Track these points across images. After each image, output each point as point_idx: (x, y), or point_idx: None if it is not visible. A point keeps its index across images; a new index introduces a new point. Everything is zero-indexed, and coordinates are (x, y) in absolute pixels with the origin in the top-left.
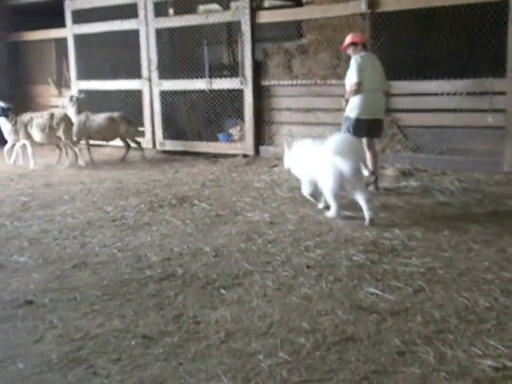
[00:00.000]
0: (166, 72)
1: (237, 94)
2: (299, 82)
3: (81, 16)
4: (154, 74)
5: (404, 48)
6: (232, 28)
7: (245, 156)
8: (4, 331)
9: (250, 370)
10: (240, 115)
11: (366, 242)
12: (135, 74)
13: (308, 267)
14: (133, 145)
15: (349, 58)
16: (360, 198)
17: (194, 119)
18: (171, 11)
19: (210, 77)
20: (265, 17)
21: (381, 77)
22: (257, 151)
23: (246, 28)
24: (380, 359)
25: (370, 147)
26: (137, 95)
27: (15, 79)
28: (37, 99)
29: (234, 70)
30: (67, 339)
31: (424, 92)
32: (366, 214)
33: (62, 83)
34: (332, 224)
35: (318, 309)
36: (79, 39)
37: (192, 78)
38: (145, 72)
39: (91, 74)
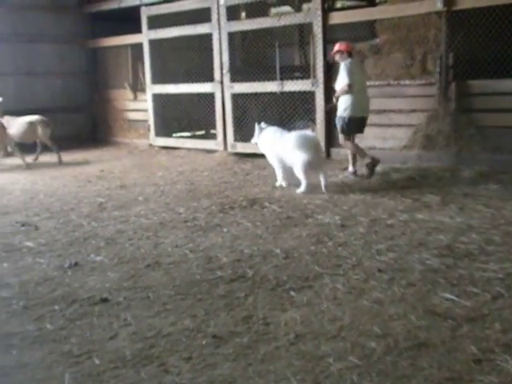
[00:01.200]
0: (237, 75)
1: (308, 96)
2: (372, 82)
3: (155, 21)
4: (226, 77)
5: (482, 46)
6: (304, 30)
7: None
8: (81, 327)
9: (320, 373)
10: (311, 117)
11: (441, 246)
12: (208, 77)
13: (379, 271)
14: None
15: (423, 59)
16: (320, 177)
17: (265, 121)
18: (243, 14)
19: (282, 79)
20: (337, 18)
21: (365, 79)
22: (328, 153)
23: (317, 29)
24: (455, 367)
25: (353, 141)
26: (209, 98)
27: (93, 84)
28: (113, 103)
29: (305, 71)
30: (140, 337)
31: (504, 91)
32: (323, 183)
33: (137, 87)
34: (405, 227)
35: (390, 313)
36: (154, 44)
37: (263, 80)
38: (217, 75)
39: (165, 78)
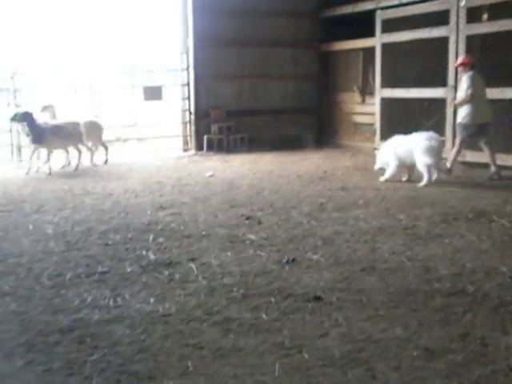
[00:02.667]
0: None
1: None
2: None
3: (388, 25)
4: None
5: None
6: None
7: None
8: (293, 321)
9: None
10: None
11: None
12: (440, 82)
13: None
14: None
15: None
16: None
17: (500, 130)
18: (485, 16)
19: None
20: None
21: (485, 91)
22: None
23: None
24: None
25: (487, 144)
26: (440, 104)
27: (323, 87)
28: (341, 106)
29: None
30: (350, 339)
31: None
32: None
33: (366, 91)
34: None
35: None
36: (386, 48)
37: (503, 86)
38: (451, 80)
39: (395, 82)
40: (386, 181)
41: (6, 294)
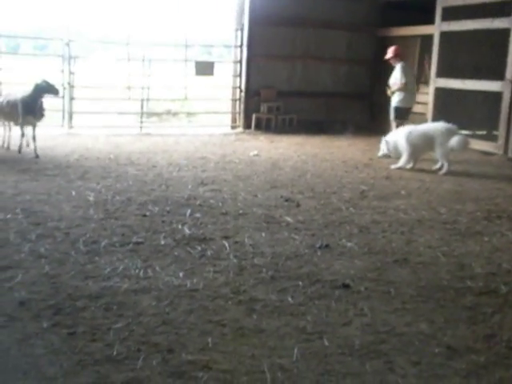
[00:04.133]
0: None
1: None
2: None
3: (448, 13)
4: None
5: None
6: None
7: None
8: (318, 308)
9: None
10: None
11: None
12: (498, 75)
13: None
14: None
15: None
16: None
17: None
18: None
19: None
20: None
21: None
22: None
23: None
24: None
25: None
26: (496, 97)
27: (377, 72)
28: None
29: None
30: (373, 330)
31: None
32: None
33: (421, 79)
34: None
35: None
36: (445, 36)
37: None
38: (509, 74)
39: (451, 72)
40: (399, 169)
41: (42, 257)
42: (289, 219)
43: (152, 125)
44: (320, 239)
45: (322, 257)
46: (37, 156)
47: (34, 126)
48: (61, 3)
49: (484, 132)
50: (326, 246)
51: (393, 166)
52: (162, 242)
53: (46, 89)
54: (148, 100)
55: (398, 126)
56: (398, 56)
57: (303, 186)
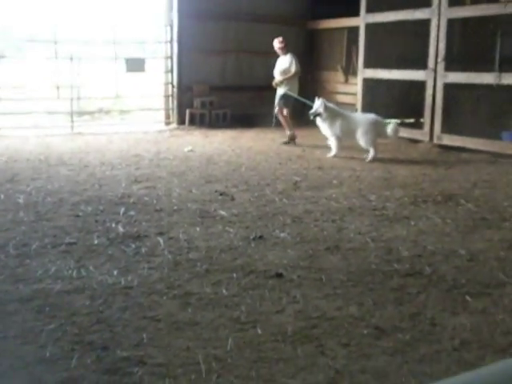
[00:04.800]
0: (452, 64)
1: None
2: None
3: (373, 5)
4: (440, 66)
5: None
6: None
7: None
8: (252, 298)
9: None
10: None
11: None
12: (421, 64)
13: None
14: None
15: None
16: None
17: (476, 115)
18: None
19: (500, 71)
20: None
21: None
22: None
23: None
24: None
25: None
26: (420, 86)
27: (308, 65)
28: (324, 84)
29: None
30: (305, 316)
31: None
32: None
33: (349, 71)
34: None
35: None
36: (370, 28)
37: (480, 71)
38: (431, 63)
39: (377, 63)
40: (334, 156)
41: None
42: (223, 213)
43: (84, 124)
44: (254, 231)
45: (256, 248)
46: None
47: None
48: None
49: (412, 120)
50: (260, 237)
51: (329, 155)
52: (96, 242)
53: None
54: (79, 99)
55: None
56: (286, 47)
57: (237, 179)
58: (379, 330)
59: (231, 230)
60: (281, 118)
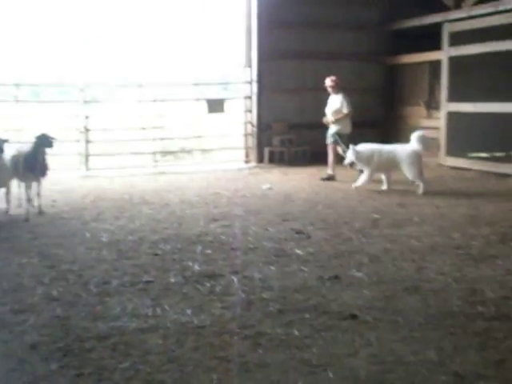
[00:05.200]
0: None
1: None
2: None
3: (456, 38)
4: None
5: None
6: None
7: None
8: (324, 339)
9: None
10: None
11: None
12: (509, 96)
13: None
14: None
15: None
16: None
17: None
18: None
19: None
20: None
21: None
22: None
23: None
24: None
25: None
26: (509, 119)
27: (389, 100)
28: (406, 120)
29: None
30: (379, 360)
31: None
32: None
33: (431, 105)
34: None
35: None
36: (453, 61)
37: None
38: None
39: (462, 96)
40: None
41: (54, 299)
42: (298, 252)
43: (167, 163)
44: (329, 270)
45: (331, 288)
46: (40, 212)
47: (39, 183)
48: (79, 51)
49: (503, 154)
50: (335, 277)
51: (354, 185)
52: (172, 280)
53: (45, 143)
54: (162, 139)
55: (339, 151)
56: (337, 86)
57: (314, 217)
58: (459, 377)
59: (306, 269)
60: (331, 154)
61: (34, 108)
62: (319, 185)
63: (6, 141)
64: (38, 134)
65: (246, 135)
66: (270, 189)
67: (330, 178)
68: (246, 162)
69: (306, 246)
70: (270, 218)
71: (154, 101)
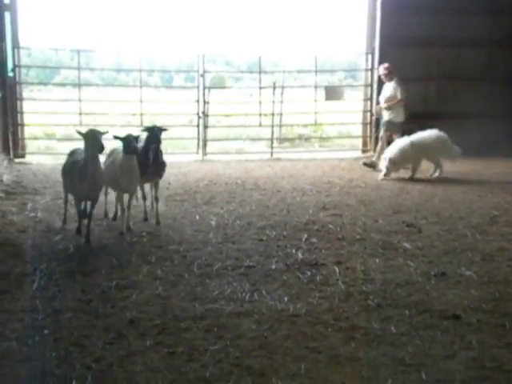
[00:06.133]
0: None
1: None
2: None
3: None
4: None
5: None
6: None
7: None
8: (421, 338)
9: None
10: None
11: None
12: None
13: None
14: None
15: None
16: None
17: None
18: None
19: None
20: None
21: None
22: None
23: None
24: None
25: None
26: None
27: None
28: None
29: None
30: (478, 365)
31: None
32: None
33: None
34: None
35: None
36: None
37: None
38: None
39: None
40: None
41: (158, 278)
42: (407, 245)
43: (283, 150)
44: (436, 267)
45: (436, 285)
46: (158, 222)
47: (157, 184)
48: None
49: None
50: (442, 273)
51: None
52: (273, 267)
53: (153, 139)
54: (281, 126)
55: (387, 140)
56: (391, 73)
57: (428, 210)
58: None
59: (412, 264)
60: (384, 141)
61: (163, 93)
62: (437, 177)
63: (104, 133)
64: (149, 126)
65: (364, 124)
66: (384, 179)
67: (372, 165)
68: (364, 151)
69: (416, 240)
70: (381, 209)
71: (273, 87)
